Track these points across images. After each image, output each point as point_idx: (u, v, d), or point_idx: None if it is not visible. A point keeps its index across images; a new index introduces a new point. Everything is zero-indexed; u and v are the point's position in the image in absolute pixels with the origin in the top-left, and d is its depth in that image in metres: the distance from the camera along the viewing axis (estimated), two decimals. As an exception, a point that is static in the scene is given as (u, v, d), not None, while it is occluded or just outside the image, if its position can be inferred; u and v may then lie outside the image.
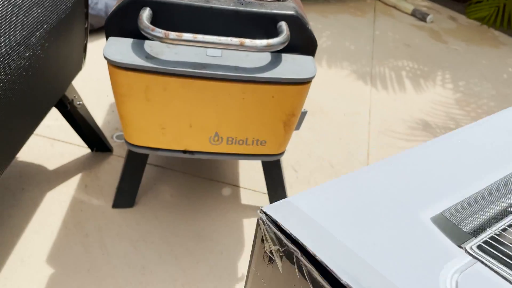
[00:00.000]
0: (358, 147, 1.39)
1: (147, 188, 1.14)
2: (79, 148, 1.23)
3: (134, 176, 1.01)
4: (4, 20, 0.67)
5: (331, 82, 1.74)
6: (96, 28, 1.82)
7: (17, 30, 0.69)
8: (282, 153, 0.88)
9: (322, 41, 2.06)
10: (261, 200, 1.14)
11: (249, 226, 1.07)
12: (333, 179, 1.24)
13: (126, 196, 1.05)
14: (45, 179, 1.12)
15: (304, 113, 0.87)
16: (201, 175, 1.20)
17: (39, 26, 0.76)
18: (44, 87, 0.83)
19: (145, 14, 0.74)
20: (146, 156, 0.97)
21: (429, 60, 2.01)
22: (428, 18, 2.37)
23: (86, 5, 0.96)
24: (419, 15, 2.41)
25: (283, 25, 0.77)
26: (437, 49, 2.12)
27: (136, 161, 0.98)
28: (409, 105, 1.65)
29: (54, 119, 1.31)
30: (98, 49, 1.72)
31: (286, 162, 1.29)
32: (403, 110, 1.61)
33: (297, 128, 0.89)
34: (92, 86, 1.48)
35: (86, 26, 0.98)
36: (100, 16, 1.77)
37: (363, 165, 1.31)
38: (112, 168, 1.18)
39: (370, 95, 1.69)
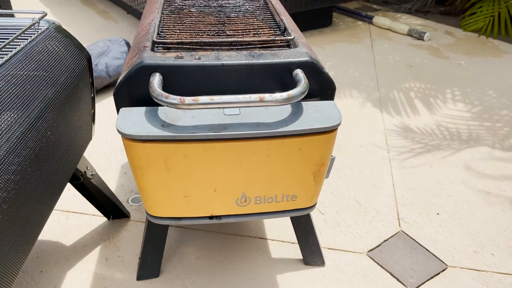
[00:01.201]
0: (381, 178, 1.33)
1: (171, 252, 1.08)
2: (95, 218, 1.18)
3: (156, 245, 0.96)
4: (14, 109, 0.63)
5: (342, 113, 1.69)
6: (99, 89, 1.81)
7: (26, 115, 0.66)
8: (314, 206, 0.82)
9: (324, 73, 2.04)
10: (292, 251, 1.08)
11: (283, 282, 1.00)
12: (362, 216, 1.16)
13: (150, 266, 0.99)
14: (63, 257, 1.06)
15: (332, 159, 0.82)
16: (225, 232, 1.14)
17: (47, 106, 0.73)
18: (56, 167, 0.79)
19: (156, 80, 0.70)
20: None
21: (435, 78, 1.98)
22: (426, 36, 2.36)
23: (91, 74, 0.93)
24: (416, 34, 2.40)
25: (300, 73, 0.74)
26: (440, 66, 2.10)
27: (157, 230, 0.92)
28: (423, 126, 1.61)
29: (66, 190, 1.27)
30: (102, 109, 1.69)
31: (310, 206, 1.23)
32: (421, 133, 1.56)
33: (327, 176, 0.84)
34: (101, 149, 1.45)
35: (92, 95, 0.95)
36: (101, 77, 1.76)
37: (390, 198, 1.25)
38: (132, 235, 1.13)
39: (383, 122, 1.64)
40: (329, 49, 2.28)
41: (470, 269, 1.03)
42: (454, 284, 0.99)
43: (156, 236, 0.94)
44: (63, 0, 3.07)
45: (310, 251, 1.03)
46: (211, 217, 0.79)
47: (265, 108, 0.74)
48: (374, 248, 1.09)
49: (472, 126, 1.61)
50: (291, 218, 0.98)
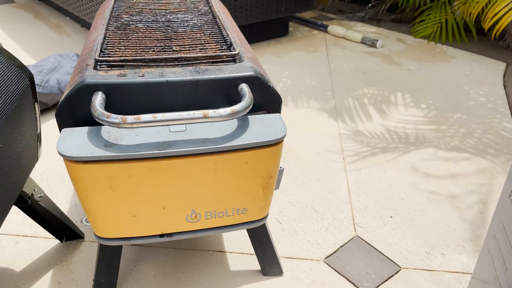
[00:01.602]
0: (337, 185, 1.36)
1: (127, 272, 1.05)
2: (47, 241, 1.14)
3: (111, 266, 0.93)
4: None
5: (299, 122, 1.73)
6: (51, 106, 1.76)
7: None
8: (265, 217, 0.83)
9: (283, 82, 2.07)
10: (251, 263, 1.08)
11: (242, 294, 1.00)
12: (319, 224, 1.18)
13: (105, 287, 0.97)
14: (13, 284, 1.02)
15: (281, 171, 0.83)
16: (183, 247, 1.13)
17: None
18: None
19: (98, 99, 0.69)
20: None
21: (387, 84, 2.05)
22: (378, 44, 2.44)
23: (34, 94, 0.90)
24: (369, 42, 2.48)
25: (244, 87, 0.75)
26: (392, 72, 2.18)
27: (110, 250, 0.90)
28: (376, 131, 1.66)
29: (16, 213, 1.22)
30: (54, 126, 1.65)
31: (269, 216, 1.24)
32: (371, 138, 1.61)
33: (277, 187, 0.85)
34: (53, 168, 1.40)
35: (36, 115, 0.92)
36: (53, 93, 1.71)
37: (346, 204, 1.28)
38: (86, 256, 1.10)
39: (339, 129, 1.68)
40: (287, 59, 2.32)
41: (423, 269, 1.07)
42: (407, 285, 1.02)
43: (109, 256, 0.92)
44: (14, 15, 2.97)
45: (268, 262, 1.03)
46: (162, 235, 0.78)
47: (211, 124, 0.74)
48: (330, 255, 1.11)
49: (423, 129, 1.68)
50: (247, 230, 0.99)
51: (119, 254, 0.93)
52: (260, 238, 1.00)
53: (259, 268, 1.06)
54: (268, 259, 1.03)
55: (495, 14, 2.07)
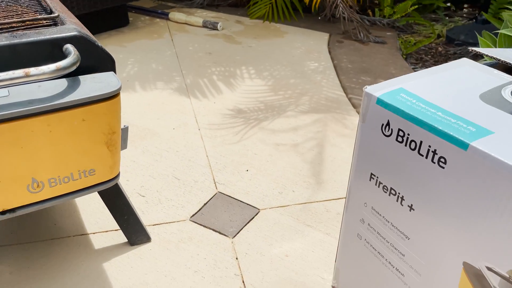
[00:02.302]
0: (196, 153, 1.42)
1: (-26, 279, 0.94)
2: None
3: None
4: None
5: (151, 104, 1.73)
6: None
7: None
8: (117, 177, 0.83)
9: (129, 69, 2.03)
10: (117, 238, 1.07)
11: (110, 267, 0.98)
12: (182, 189, 1.24)
13: None
14: None
15: (125, 129, 0.84)
16: (39, 239, 1.05)
17: None
18: None
19: None
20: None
21: (232, 61, 2.18)
22: (219, 26, 2.56)
23: None
24: (210, 25, 2.59)
25: (70, 47, 0.73)
26: (234, 50, 2.32)
27: None
28: (229, 103, 1.76)
29: None
30: None
31: (130, 192, 1.23)
32: (226, 109, 1.71)
33: (124, 146, 0.85)
34: None
35: None
36: None
37: (206, 167, 1.35)
38: None
39: (192, 105, 1.74)
40: (131, 47, 2.29)
41: (278, 207, 1.19)
42: (266, 221, 1.13)
43: None
44: None
45: (134, 231, 1.03)
46: (3, 212, 0.73)
47: (38, 85, 0.72)
48: (196, 213, 1.16)
49: (267, 94, 1.84)
50: (106, 203, 0.97)
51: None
52: (121, 209, 0.99)
53: (126, 240, 1.06)
54: (133, 228, 1.03)
55: (312, -10, 2.35)
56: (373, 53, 2.35)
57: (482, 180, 0.56)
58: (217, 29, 2.57)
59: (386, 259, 0.76)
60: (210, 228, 1.11)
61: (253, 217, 1.15)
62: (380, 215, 0.75)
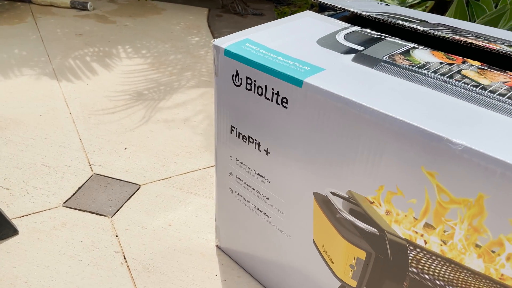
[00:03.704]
0: (67, 137, 1.32)
1: None
2: None
3: None
4: None
5: (15, 92, 1.56)
6: None
7: None
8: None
9: (-16, 58, 1.81)
10: (-23, 237, 0.96)
11: (-28, 270, 0.88)
12: (52, 176, 1.15)
13: None
14: None
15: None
16: None
17: None
18: None
19: None
20: None
21: (106, 40, 2.06)
22: (89, 6, 2.40)
23: None
24: (79, 6, 2.41)
25: None
26: (109, 30, 2.19)
27: None
28: (106, 83, 1.66)
29: None
30: None
31: (-9, 187, 1.11)
32: (102, 90, 1.61)
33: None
34: None
35: None
36: None
37: (79, 151, 1.26)
38: None
39: (61, 89, 1.61)
40: (-14, 34, 2.03)
41: (160, 179, 1.17)
42: (147, 196, 1.10)
43: None
44: None
45: (-5, 226, 0.94)
46: None
47: None
48: (69, 198, 1.09)
49: (148, 73, 1.77)
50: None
51: None
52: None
53: (-12, 237, 0.95)
54: (-6, 223, 0.93)
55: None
56: (252, 25, 2.40)
57: (317, 113, 0.60)
58: (88, 9, 2.41)
59: (255, 206, 0.79)
60: (86, 211, 1.05)
61: (134, 194, 1.11)
62: (244, 165, 0.77)
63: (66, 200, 1.08)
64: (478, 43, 0.65)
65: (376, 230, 0.58)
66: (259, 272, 0.88)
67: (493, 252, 0.47)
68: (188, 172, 1.20)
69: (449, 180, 0.48)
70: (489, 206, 0.46)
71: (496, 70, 0.60)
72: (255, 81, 0.68)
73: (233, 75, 0.71)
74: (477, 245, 0.48)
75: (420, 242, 0.54)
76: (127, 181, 1.15)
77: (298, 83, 0.61)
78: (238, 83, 0.71)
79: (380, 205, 0.57)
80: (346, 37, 0.73)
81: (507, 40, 0.70)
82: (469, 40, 0.66)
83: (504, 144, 0.45)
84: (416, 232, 0.54)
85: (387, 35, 0.72)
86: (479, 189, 0.46)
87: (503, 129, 0.47)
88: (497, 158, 0.43)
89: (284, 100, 0.64)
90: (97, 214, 1.04)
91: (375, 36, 0.72)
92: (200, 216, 1.05)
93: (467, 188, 0.47)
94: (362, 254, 0.62)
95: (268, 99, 0.67)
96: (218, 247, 0.96)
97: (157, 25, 2.29)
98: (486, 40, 0.69)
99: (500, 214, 0.45)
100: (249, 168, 0.77)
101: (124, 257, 0.93)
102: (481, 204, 0.46)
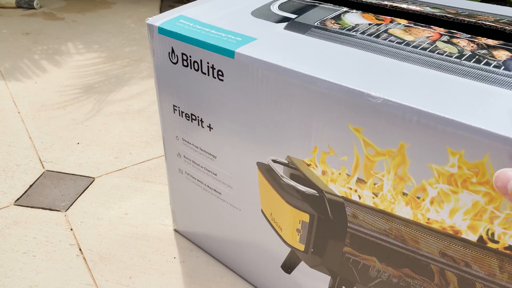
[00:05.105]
0: (16, 137, 1.28)
1: None
2: None
3: None
4: None
5: (-45, 96, 1.50)
6: None
7: None
8: None
9: None
10: None
11: None
12: (2, 176, 1.11)
13: None
14: None
15: None
16: None
17: None
18: None
19: None
20: None
21: (54, 38, 2.00)
22: (35, 4, 2.32)
23: None
24: (25, 5, 2.32)
25: None
26: (57, 27, 2.13)
27: None
28: (55, 80, 1.62)
29: None
30: None
31: None
32: (51, 87, 1.57)
33: None
34: None
35: None
36: None
37: (29, 149, 1.23)
38: None
39: (9, 89, 1.56)
40: None
41: (115, 171, 1.15)
42: (102, 188, 1.09)
43: None
44: None
45: None
46: None
47: None
48: (21, 197, 1.06)
49: (102, 66, 1.73)
50: None
51: None
52: None
53: None
54: None
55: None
56: (205, 14, 2.37)
57: (250, 83, 0.61)
58: (34, 8, 2.32)
59: (205, 184, 0.79)
60: (38, 208, 1.02)
61: (88, 187, 1.09)
62: (190, 143, 0.78)
63: (18, 199, 1.05)
64: (403, 6, 0.68)
65: (316, 192, 0.60)
66: (216, 250, 0.89)
67: (418, 198, 0.49)
68: (144, 162, 1.19)
69: (373, 133, 0.50)
70: (410, 154, 0.48)
71: (422, 26, 0.62)
72: (190, 56, 0.67)
73: (169, 52, 0.70)
74: (404, 193, 0.51)
75: (355, 197, 0.56)
76: (80, 175, 1.13)
77: (231, 54, 0.61)
78: (174, 61, 0.70)
79: (316, 166, 0.58)
80: (281, 6, 0.73)
81: (433, 3, 0.72)
82: (394, 4, 0.69)
83: (419, 93, 0.47)
84: (351, 188, 0.56)
85: (321, 2, 0.73)
86: (400, 139, 0.48)
87: (419, 80, 0.49)
88: (411, 107, 0.45)
89: (220, 73, 0.64)
90: (50, 209, 1.02)
91: (309, 3, 0.73)
92: (157, 203, 1.04)
93: (390, 139, 0.49)
94: (306, 217, 0.63)
95: (205, 74, 0.67)
96: (176, 230, 0.96)
97: (108, 19, 2.24)
98: (413, 3, 0.71)
99: (420, 160, 0.47)
100: (195, 146, 0.77)
101: (80, 249, 0.91)
102: (403, 153, 0.48)
